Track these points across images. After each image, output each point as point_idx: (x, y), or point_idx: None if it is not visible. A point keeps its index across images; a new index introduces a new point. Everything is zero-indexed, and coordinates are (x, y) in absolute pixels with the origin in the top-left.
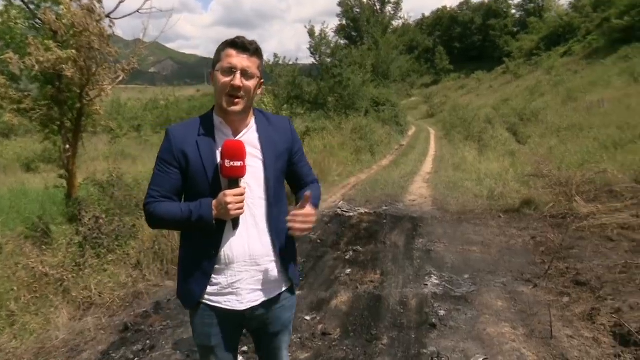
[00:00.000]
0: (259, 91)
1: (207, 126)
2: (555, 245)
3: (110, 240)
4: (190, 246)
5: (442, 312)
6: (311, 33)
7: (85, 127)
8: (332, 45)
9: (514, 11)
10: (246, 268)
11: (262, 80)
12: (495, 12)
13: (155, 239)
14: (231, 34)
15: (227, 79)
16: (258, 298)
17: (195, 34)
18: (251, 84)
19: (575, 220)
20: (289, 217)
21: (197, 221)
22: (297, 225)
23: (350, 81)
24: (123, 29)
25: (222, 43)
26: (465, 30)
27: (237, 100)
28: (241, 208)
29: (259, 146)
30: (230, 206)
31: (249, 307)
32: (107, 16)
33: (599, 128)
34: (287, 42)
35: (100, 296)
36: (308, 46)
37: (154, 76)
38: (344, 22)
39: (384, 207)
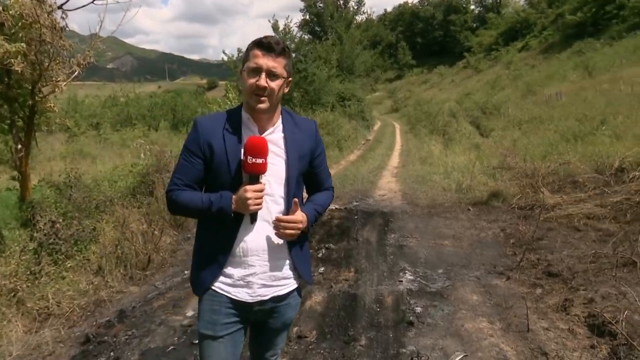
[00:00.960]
0: (286, 89)
1: (234, 121)
2: (525, 237)
3: (68, 245)
4: (207, 237)
5: (418, 309)
6: (275, 27)
7: (39, 126)
8: (296, 40)
9: (473, 7)
10: (259, 263)
11: (289, 79)
12: (455, 8)
13: (117, 242)
14: (192, 29)
15: (253, 80)
16: (268, 293)
17: (155, 29)
18: (276, 84)
19: (543, 211)
20: (274, 221)
21: (217, 212)
22: (282, 231)
23: (316, 76)
24: (78, 23)
25: (251, 42)
26: (427, 25)
27: (262, 98)
28: (260, 204)
29: (283, 146)
30: (249, 201)
31: (257, 300)
32: (60, 7)
33: (558, 120)
34: (250, 37)
35: (58, 306)
36: None
37: (113, 72)
38: (308, 17)
39: (355, 203)
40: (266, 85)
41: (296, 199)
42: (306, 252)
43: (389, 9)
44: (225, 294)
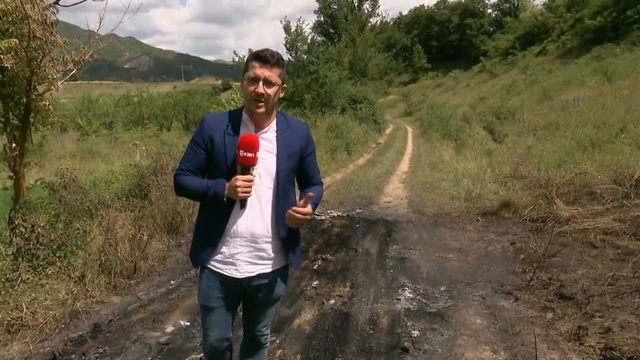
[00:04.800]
0: (281, 94)
1: (235, 120)
2: (537, 252)
3: (49, 251)
4: (205, 217)
5: (415, 333)
6: (287, 28)
7: (35, 125)
8: (308, 41)
9: (490, 11)
10: (246, 243)
11: (284, 86)
12: (472, 12)
13: (102, 248)
14: (209, 30)
15: (252, 88)
16: (254, 270)
17: (172, 29)
18: (272, 91)
19: (556, 225)
20: (290, 210)
21: (212, 196)
22: (294, 220)
23: (327, 78)
24: (96, 23)
25: (250, 55)
26: (443, 29)
27: (260, 104)
28: (248, 192)
29: (275, 143)
30: (239, 189)
31: (245, 276)
32: (56, 3)
33: (575, 127)
34: (265, 38)
35: (33, 316)
36: (284, 42)
37: (130, 72)
38: (322, 18)
39: (358, 210)
40: (264, 92)
41: (312, 194)
42: (296, 238)
43: (405, 12)
44: (219, 271)
